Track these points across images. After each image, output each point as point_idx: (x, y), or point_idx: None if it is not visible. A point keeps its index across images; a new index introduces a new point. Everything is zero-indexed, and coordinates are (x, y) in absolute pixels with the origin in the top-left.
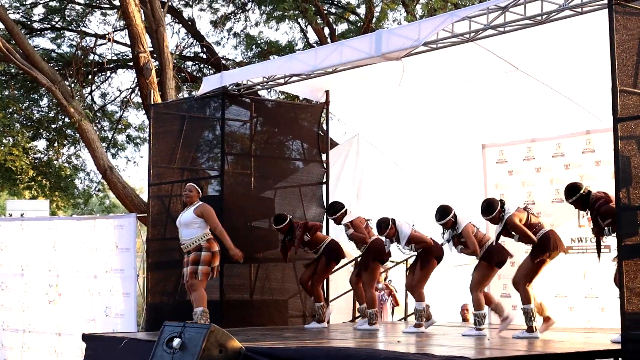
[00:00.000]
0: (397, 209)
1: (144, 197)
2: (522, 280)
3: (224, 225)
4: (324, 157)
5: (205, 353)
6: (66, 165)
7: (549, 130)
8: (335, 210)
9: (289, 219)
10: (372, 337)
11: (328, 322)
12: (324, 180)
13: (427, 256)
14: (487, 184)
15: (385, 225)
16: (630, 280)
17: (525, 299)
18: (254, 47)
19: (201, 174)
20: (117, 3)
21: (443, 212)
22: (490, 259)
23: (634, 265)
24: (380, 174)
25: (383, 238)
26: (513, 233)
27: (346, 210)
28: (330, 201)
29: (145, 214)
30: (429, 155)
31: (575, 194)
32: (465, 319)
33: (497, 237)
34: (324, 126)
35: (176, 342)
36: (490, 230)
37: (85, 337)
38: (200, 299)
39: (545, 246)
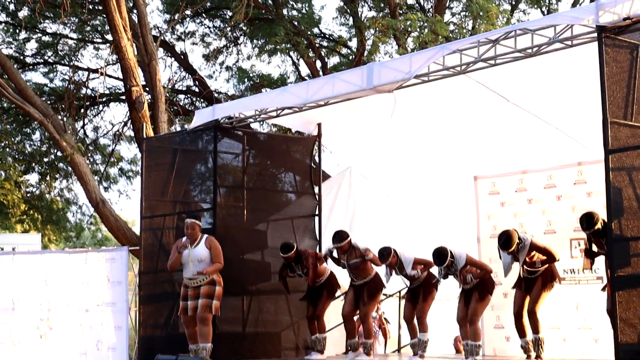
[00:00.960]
0: (390, 241)
1: (136, 229)
2: (537, 309)
3: None
4: (316, 189)
5: None
6: (58, 198)
7: (541, 162)
8: (343, 237)
9: (295, 247)
10: None
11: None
12: (317, 212)
13: (428, 287)
14: (479, 215)
15: (387, 253)
16: (624, 311)
17: (538, 327)
18: (246, 80)
19: (194, 206)
20: (109, 37)
21: (442, 256)
22: (485, 289)
23: (627, 296)
24: (373, 206)
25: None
26: (531, 258)
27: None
28: (321, 232)
29: (138, 247)
30: (422, 187)
31: (594, 225)
32: (458, 351)
33: (523, 263)
34: (316, 158)
35: None
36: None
37: None
38: (209, 334)
39: (554, 274)
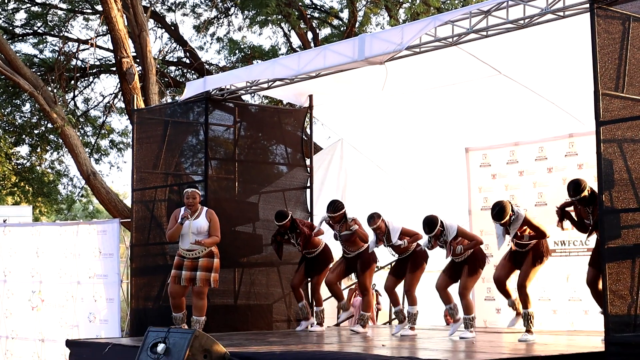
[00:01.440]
0: (382, 213)
1: (128, 202)
2: (527, 284)
3: None
4: (307, 161)
5: (189, 358)
6: (49, 170)
7: (532, 134)
8: (337, 208)
9: (290, 215)
10: (357, 341)
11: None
12: (308, 184)
13: (417, 259)
14: (470, 187)
15: (376, 216)
16: (614, 283)
17: (528, 303)
18: (237, 51)
19: (185, 179)
20: (99, 8)
21: (431, 223)
22: (477, 263)
23: (617, 268)
24: (364, 178)
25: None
26: (522, 232)
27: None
28: (312, 204)
29: (129, 219)
30: (413, 159)
31: (581, 192)
32: (448, 323)
33: (514, 236)
34: (308, 130)
35: (160, 347)
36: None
37: (69, 343)
38: (204, 307)
39: (545, 249)
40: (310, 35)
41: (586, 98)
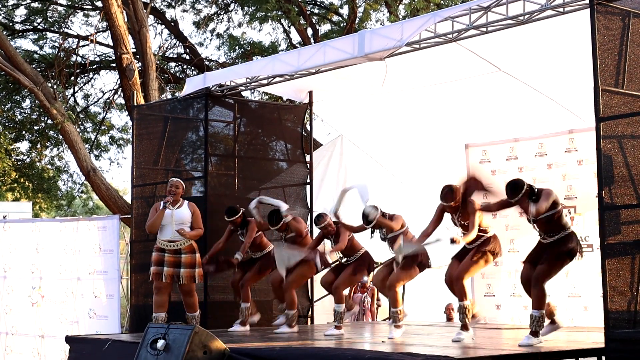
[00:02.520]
0: (381, 208)
1: (128, 198)
2: (464, 276)
3: (208, 227)
4: (307, 157)
5: (189, 354)
6: (49, 167)
7: (532, 130)
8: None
9: (241, 212)
10: (356, 337)
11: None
12: (308, 180)
13: (361, 265)
14: None
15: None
16: (613, 279)
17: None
18: (237, 48)
19: (185, 175)
20: (99, 4)
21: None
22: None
23: (617, 264)
24: (364, 175)
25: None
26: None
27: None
28: (314, 202)
29: (129, 215)
30: (413, 155)
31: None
32: (449, 319)
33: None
34: (308, 127)
35: (160, 343)
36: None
37: (69, 339)
38: (196, 303)
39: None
40: (310, 31)
41: (586, 94)
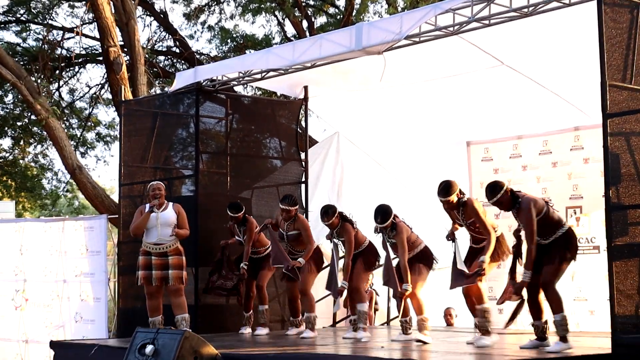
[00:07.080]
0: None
1: (115, 197)
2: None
3: (199, 227)
4: (302, 155)
5: None
6: (33, 164)
7: (536, 127)
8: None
9: (244, 209)
10: (353, 343)
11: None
12: (303, 179)
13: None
14: (472, 182)
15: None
16: (621, 282)
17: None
18: (229, 41)
19: (175, 173)
20: None
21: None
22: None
23: (625, 266)
24: (361, 173)
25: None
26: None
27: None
28: (309, 201)
29: (117, 215)
30: (412, 153)
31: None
32: (449, 324)
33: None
34: (303, 123)
35: (149, 348)
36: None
37: (54, 345)
38: (185, 304)
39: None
40: (305, 23)
41: (592, 90)
